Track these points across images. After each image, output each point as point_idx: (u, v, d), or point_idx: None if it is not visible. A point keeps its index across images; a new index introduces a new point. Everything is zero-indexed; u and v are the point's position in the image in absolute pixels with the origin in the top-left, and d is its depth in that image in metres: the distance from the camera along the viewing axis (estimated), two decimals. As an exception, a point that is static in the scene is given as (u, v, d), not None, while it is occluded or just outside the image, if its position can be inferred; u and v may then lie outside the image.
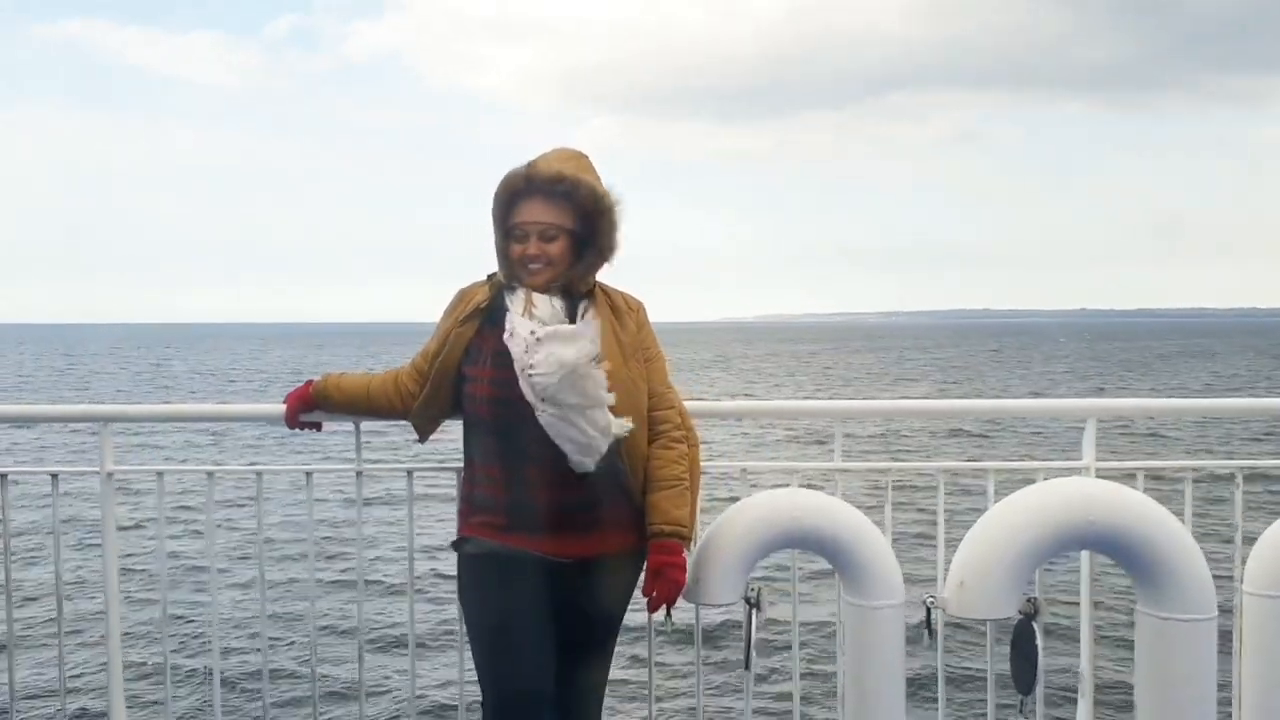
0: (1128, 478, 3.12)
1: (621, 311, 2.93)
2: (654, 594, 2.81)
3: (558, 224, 2.82)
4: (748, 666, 2.95)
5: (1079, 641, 3.47)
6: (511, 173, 2.84)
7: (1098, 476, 3.27)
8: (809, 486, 3.11)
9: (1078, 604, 3.45)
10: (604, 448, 2.77)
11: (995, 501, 2.88)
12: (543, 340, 2.75)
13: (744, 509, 2.89)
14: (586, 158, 2.92)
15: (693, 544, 2.91)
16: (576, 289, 2.87)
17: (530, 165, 2.84)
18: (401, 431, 3.12)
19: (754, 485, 3.17)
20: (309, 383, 3.14)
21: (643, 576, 2.87)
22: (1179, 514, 2.83)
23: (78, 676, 7.61)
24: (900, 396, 37.62)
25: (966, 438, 23.68)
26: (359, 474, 3.41)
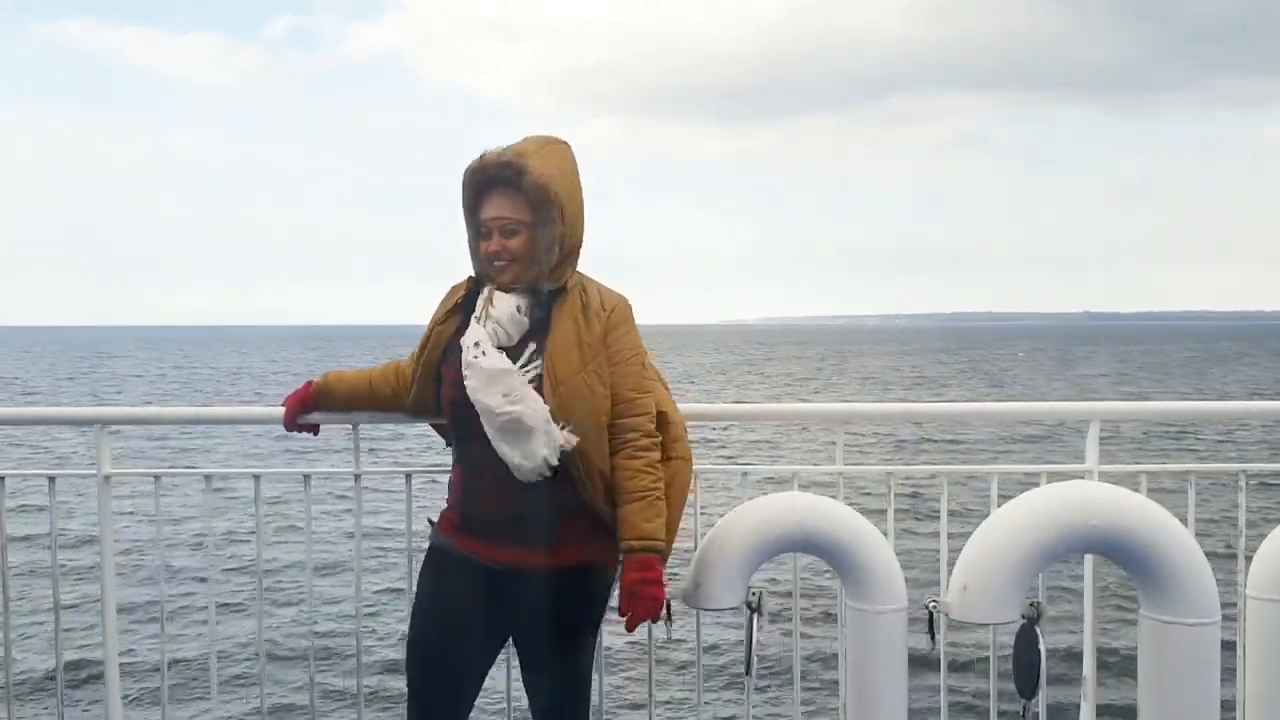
0: (1131, 481, 3.11)
1: (592, 312, 2.77)
2: (630, 614, 2.70)
3: (516, 218, 2.73)
4: (749, 671, 2.93)
5: (1082, 645, 3.46)
6: (469, 165, 2.77)
7: (1100, 480, 3.26)
8: (810, 490, 3.09)
9: (1081, 608, 3.44)
10: (543, 467, 2.66)
11: (998, 505, 2.87)
12: (472, 365, 2.70)
13: (745, 512, 2.87)
14: (555, 144, 2.81)
15: (695, 553, 2.89)
16: (542, 287, 2.77)
17: (483, 155, 2.75)
18: (401, 434, 3.11)
19: (755, 488, 3.16)
20: (309, 383, 3.11)
21: (616, 592, 2.79)
22: (1182, 517, 2.82)
23: (75, 677, 7.60)
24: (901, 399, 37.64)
25: (969, 440, 23.68)
26: (357, 477, 3.40)
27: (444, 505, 2.91)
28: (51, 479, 3.43)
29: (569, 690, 2.88)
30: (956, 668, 6.98)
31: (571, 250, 2.80)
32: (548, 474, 2.68)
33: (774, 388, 46.37)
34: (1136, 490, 2.91)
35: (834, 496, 3.06)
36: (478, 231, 2.79)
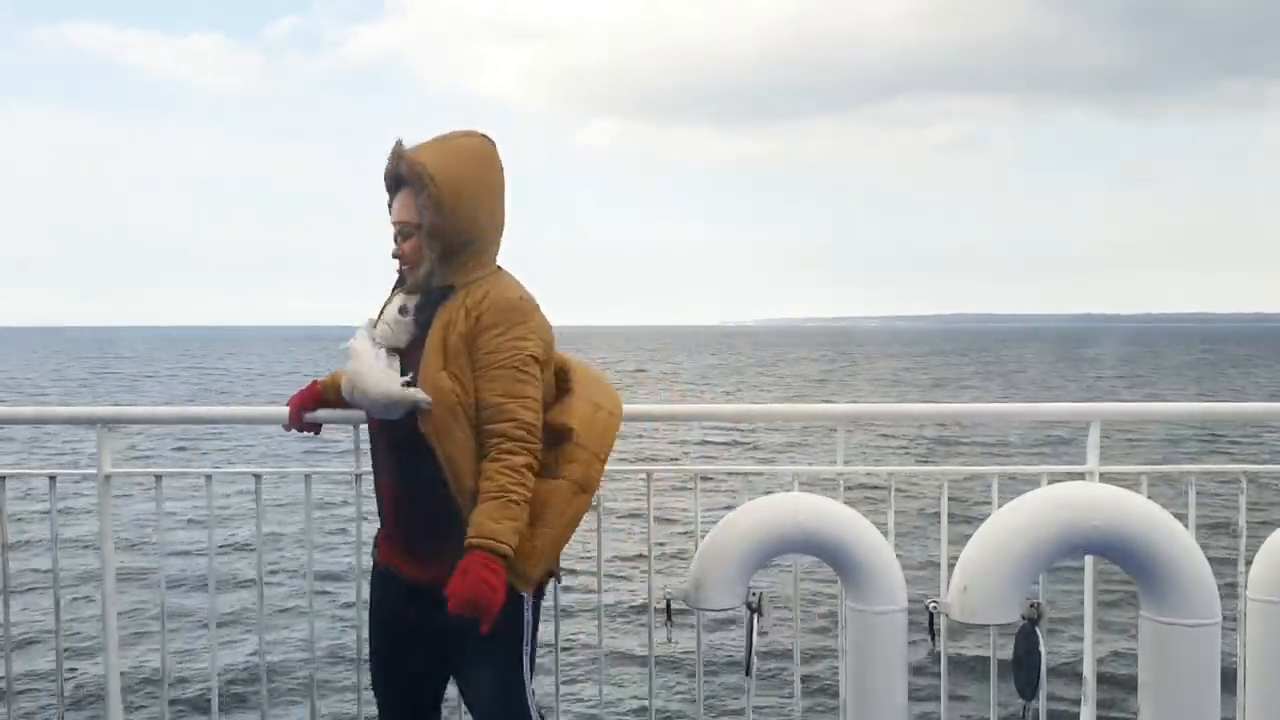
0: (1131, 482, 3.11)
1: (465, 312, 2.68)
2: (457, 592, 2.50)
3: (406, 220, 2.71)
4: (749, 672, 2.93)
5: (1082, 646, 3.46)
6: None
7: (1101, 481, 3.26)
8: (811, 490, 3.09)
9: (1081, 609, 3.44)
10: (392, 400, 2.65)
11: (998, 506, 2.87)
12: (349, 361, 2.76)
13: (745, 513, 2.87)
14: (458, 138, 2.74)
15: (695, 554, 2.89)
16: (433, 286, 2.74)
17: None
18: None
19: (755, 489, 3.15)
20: (314, 382, 3.11)
21: (529, 605, 2.76)
22: (1183, 519, 2.81)
23: (75, 677, 7.60)
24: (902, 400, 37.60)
25: (970, 442, 23.66)
26: (358, 477, 3.40)
27: None
28: (52, 478, 3.44)
29: (496, 706, 2.79)
30: (957, 668, 6.97)
31: (463, 248, 2.71)
32: (399, 409, 2.65)
33: (790, 389, 46.26)
34: (1137, 491, 2.91)
35: (834, 497, 3.07)
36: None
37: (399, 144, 2.70)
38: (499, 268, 2.80)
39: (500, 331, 2.66)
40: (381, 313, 2.79)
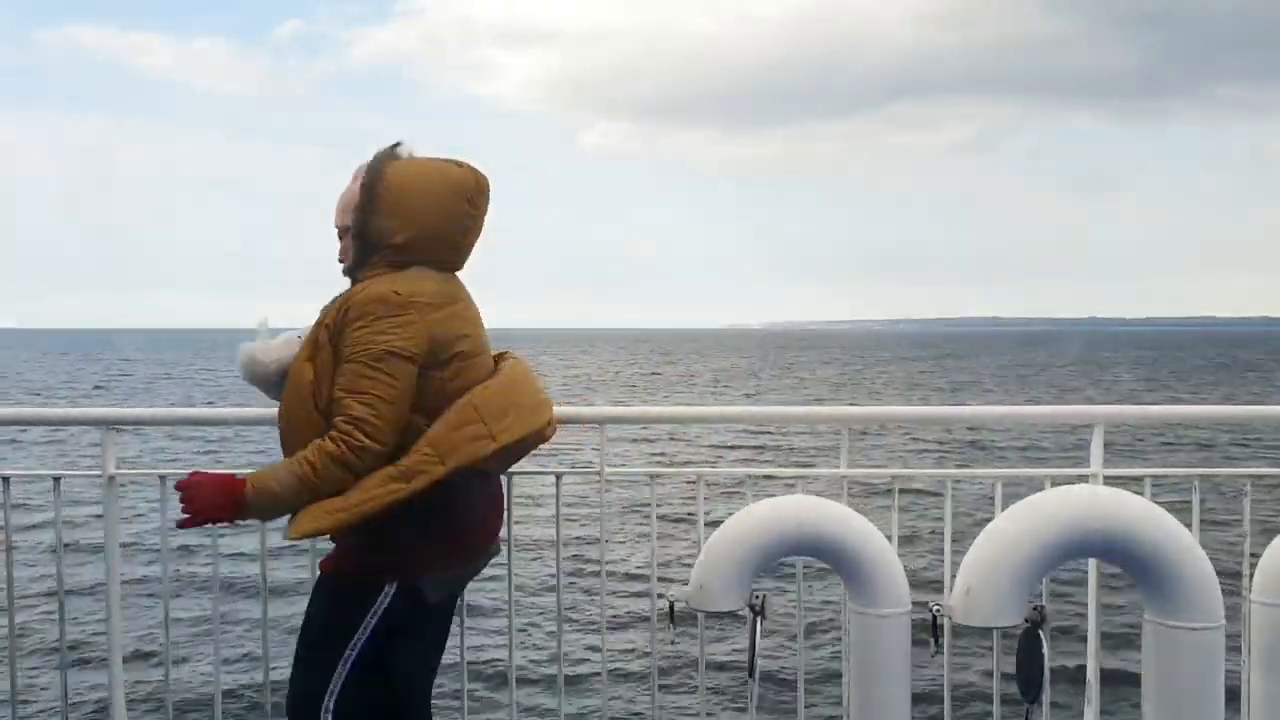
0: (1135, 485, 3.11)
1: (340, 306, 2.76)
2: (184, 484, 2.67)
3: (340, 223, 2.89)
4: (752, 674, 2.93)
5: (1085, 649, 3.45)
6: None
7: (1105, 484, 3.26)
8: (814, 493, 3.09)
9: (1084, 611, 3.43)
10: (255, 366, 2.89)
11: (1002, 509, 2.86)
12: None
13: (748, 515, 2.87)
14: (448, 162, 2.88)
15: (698, 555, 2.89)
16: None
17: None
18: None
19: (759, 492, 3.15)
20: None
21: (373, 612, 2.78)
22: (1187, 522, 2.81)
23: (79, 679, 7.59)
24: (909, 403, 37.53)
25: (973, 444, 23.63)
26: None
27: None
28: (56, 480, 3.44)
29: (293, 700, 2.86)
30: (960, 671, 6.96)
31: (383, 250, 2.80)
32: (251, 375, 2.90)
33: (811, 393, 46.15)
34: (1141, 495, 2.91)
35: (838, 499, 3.06)
36: None
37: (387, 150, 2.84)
38: (412, 267, 2.81)
39: (362, 325, 2.69)
40: None
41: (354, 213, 2.80)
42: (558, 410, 3.06)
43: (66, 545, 3.46)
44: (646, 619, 2.97)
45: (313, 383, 2.72)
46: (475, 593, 3.52)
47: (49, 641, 8.49)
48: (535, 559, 11.02)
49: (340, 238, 2.89)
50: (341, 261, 2.90)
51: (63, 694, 3.45)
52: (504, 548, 3.16)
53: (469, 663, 3.17)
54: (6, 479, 3.36)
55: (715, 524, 2.97)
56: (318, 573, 2.91)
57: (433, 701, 3.09)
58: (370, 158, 2.83)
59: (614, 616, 9.21)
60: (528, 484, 3.53)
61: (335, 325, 2.72)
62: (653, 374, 62.85)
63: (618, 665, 7.97)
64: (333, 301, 2.80)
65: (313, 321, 2.82)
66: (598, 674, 3.31)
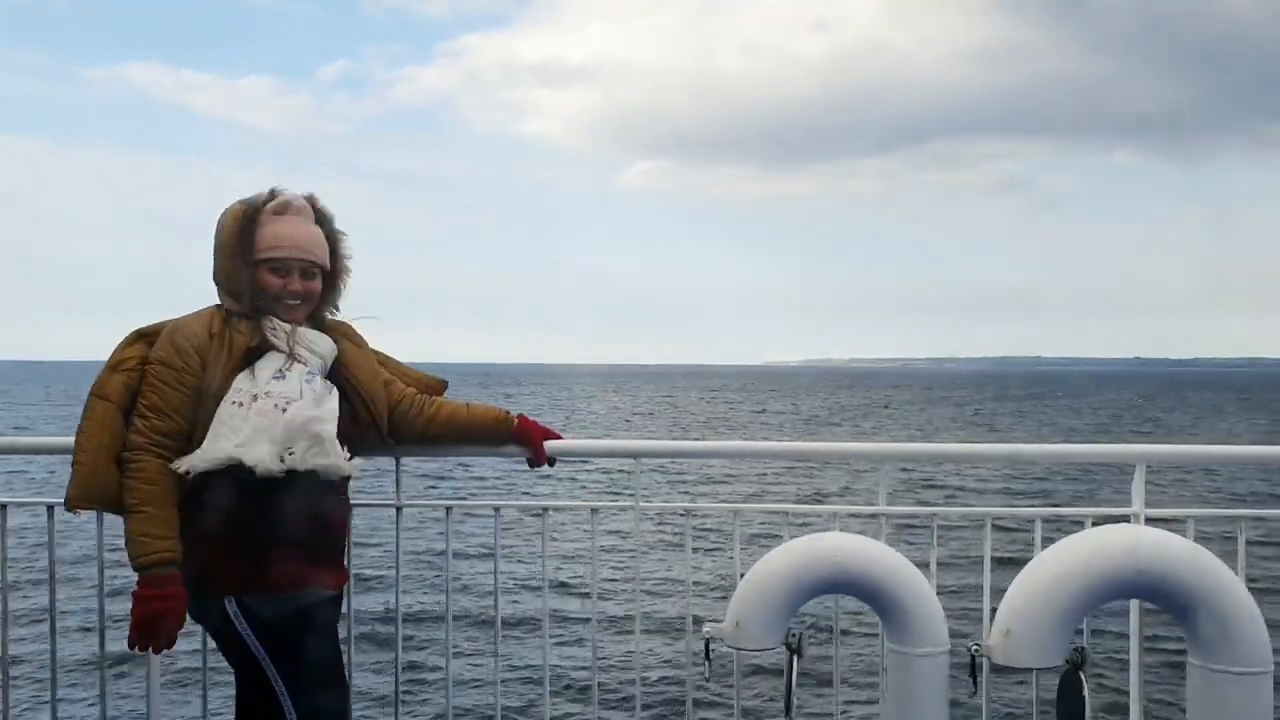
0: (1178, 526, 3.06)
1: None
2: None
3: (320, 261, 3.04)
4: (788, 713, 2.90)
5: (1128, 692, 3.39)
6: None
7: (1146, 524, 3.21)
8: (851, 530, 3.07)
9: (1127, 654, 3.38)
10: None
11: (1042, 548, 2.83)
12: None
13: (785, 552, 2.85)
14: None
15: (735, 592, 2.86)
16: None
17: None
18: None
19: (796, 528, 3.13)
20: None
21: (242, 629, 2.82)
22: (1232, 564, 2.76)
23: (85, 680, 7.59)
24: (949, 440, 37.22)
25: (1013, 482, 23.37)
26: (399, 510, 3.41)
27: (478, 537, 2.96)
28: (50, 508, 3.37)
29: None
30: (998, 713, 6.86)
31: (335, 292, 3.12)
32: None
33: (877, 430, 45.70)
34: (1184, 535, 2.86)
35: (876, 537, 3.03)
36: None
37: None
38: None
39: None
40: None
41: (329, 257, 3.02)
42: (592, 443, 3.08)
43: None
44: (680, 655, 2.94)
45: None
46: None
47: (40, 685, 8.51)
48: (570, 593, 11.00)
49: (309, 276, 2.96)
50: (304, 302, 2.96)
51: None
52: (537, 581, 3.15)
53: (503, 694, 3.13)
54: (3, 506, 3.35)
55: (751, 560, 2.95)
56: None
57: None
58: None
59: (649, 650, 9.16)
60: (561, 516, 3.54)
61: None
62: (759, 410, 62.80)
63: (651, 701, 7.91)
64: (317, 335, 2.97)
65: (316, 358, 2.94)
66: (631, 708, 3.29)
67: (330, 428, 2.81)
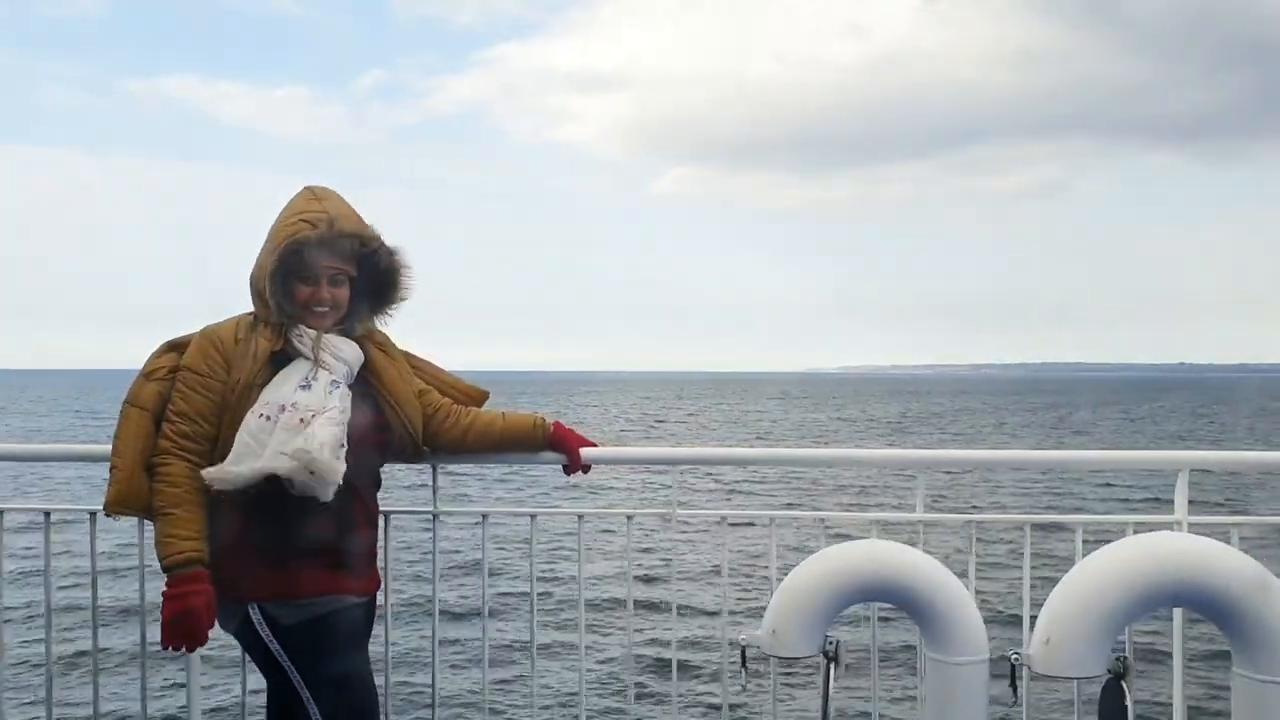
0: (1221, 533, 3.01)
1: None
2: None
3: (344, 270, 3.03)
4: (826, 721, 2.88)
5: (1170, 704, 3.34)
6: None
7: (1189, 532, 3.16)
8: (890, 538, 3.05)
9: (1170, 663, 3.33)
10: None
11: (1083, 556, 2.79)
12: None
13: (823, 559, 2.84)
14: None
15: (771, 600, 2.85)
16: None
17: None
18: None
19: (833, 536, 3.12)
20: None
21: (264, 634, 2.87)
22: (1277, 572, 2.71)
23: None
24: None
25: (1053, 490, 23.18)
26: (435, 516, 3.43)
27: (504, 548, 2.98)
28: (47, 514, 3.43)
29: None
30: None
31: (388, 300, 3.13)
32: None
33: (925, 438, 45.34)
34: (1228, 544, 2.82)
35: (914, 544, 3.01)
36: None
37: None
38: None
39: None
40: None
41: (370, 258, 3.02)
42: (628, 450, 3.08)
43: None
44: (716, 662, 2.93)
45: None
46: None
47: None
48: (606, 597, 11.00)
49: (337, 284, 2.97)
50: (332, 309, 2.97)
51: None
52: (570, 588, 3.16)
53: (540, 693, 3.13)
54: (1, 511, 3.41)
55: (788, 568, 2.93)
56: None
57: None
58: (306, 191, 2.99)
59: (685, 660, 9.15)
60: (599, 522, 3.54)
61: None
62: (839, 419, 62.74)
63: (688, 708, 7.90)
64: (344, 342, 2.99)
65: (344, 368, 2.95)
66: (667, 706, 3.29)
67: (340, 438, 2.84)
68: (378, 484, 3.07)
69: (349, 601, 2.94)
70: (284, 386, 2.83)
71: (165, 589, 2.75)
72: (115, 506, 2.82)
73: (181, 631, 2.74)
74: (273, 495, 2.76)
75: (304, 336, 2.90)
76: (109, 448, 2.87)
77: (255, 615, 2.82)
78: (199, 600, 2.74)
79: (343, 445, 2.80)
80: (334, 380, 2.89)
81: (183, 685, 3.49)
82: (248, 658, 3.13)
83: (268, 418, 2.77)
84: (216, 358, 2.85)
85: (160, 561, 2.76)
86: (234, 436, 2.78)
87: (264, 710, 3.03)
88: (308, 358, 2.88)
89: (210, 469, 2.76)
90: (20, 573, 7.61)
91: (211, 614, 2.77)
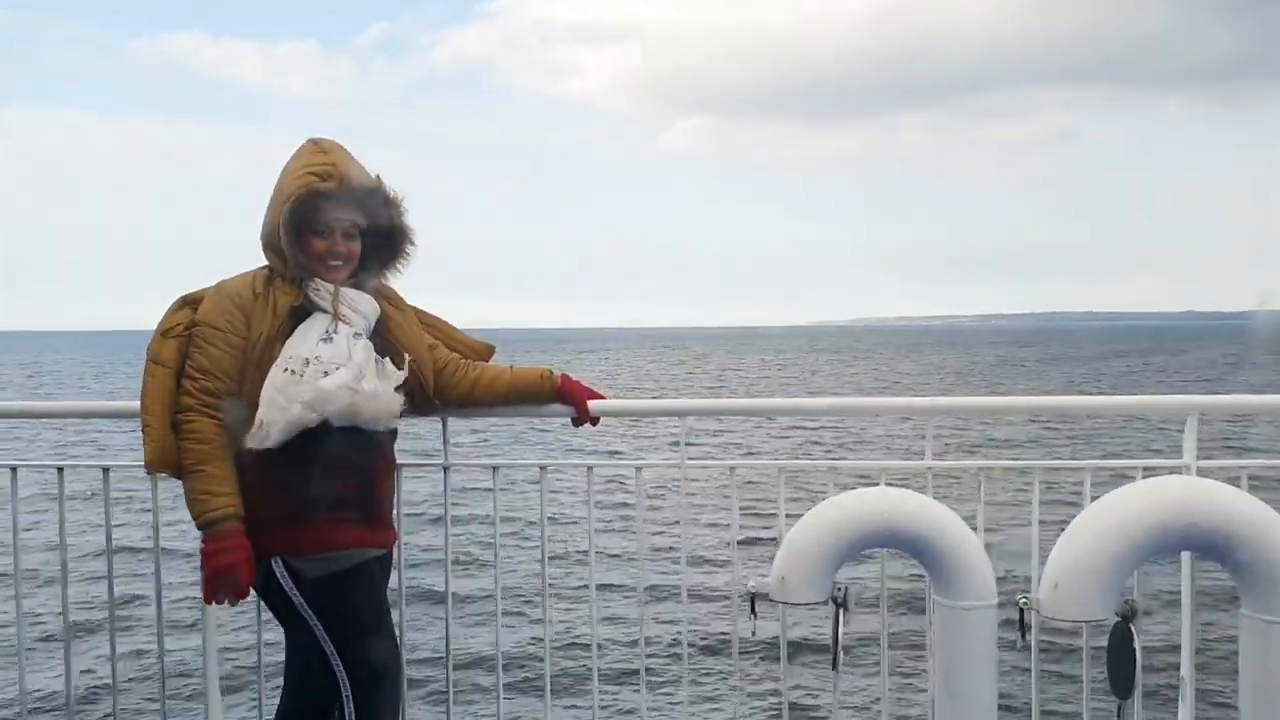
0: (1230, 478, 3.02)
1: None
2: None
3: (360, 221, 3.03)
4: (835, 667, 2.90)
5: (1179, 645, 3.37)
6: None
7: (1198, 476, 3.17)
8: (898, 485, 3.06)
9: (1178, 606, 3.35)
10: None
11: (1092, 500, 2.80)
12: None
13: (831, 507, 2.84)
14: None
15: (780, 547, 2.87)
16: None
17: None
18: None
19: (841, 484, 3.13)
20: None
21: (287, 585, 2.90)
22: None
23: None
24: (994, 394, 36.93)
25: (1062, 435, 23.20)
26: (446, 469, 3.45)
27: (524, 499, 3.01)
28: (60, 470, 3.46)
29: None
30: (1048, 666, 6.85)
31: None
32: None
33: (945, 386, 45.28)
34: (1237, 487, 2.82)
35: (922, 491, 3.02)
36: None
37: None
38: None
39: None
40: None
41: (380, 211, 3.03)
42: (637, 403, 3.09)
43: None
44: (726, 610, 2.95)
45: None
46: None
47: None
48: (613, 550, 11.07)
49: (350, 237, 2.97)
50: (346, 263, 2.98)
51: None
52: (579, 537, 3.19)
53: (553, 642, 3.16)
54: (13, 468, 3.42)
55: (796, 517, 2.94)
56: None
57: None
58: (311, 144, 2.98)
59: (695, 607, 9.22)
60: (610, 473, 3.57)
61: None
62: (877, 371, 62.76)
63: (698, 657, 7.98)
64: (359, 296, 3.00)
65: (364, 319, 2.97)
66: (678, 658, 3.32)
67: (376, 385, 2.87)
68: (394, 435, 3.09)
69: (370, 554, 2.96)
70: (306, 340, 2.84)
71: (203, 545, 2.78)
72: (157, 465, 2.84)
73: (223, 585, 2.79)
74: (297, 448, 2.78)
75: (321, 290, 2.91)
76: (121, 404, 2.89)
77: (279, 568, 2.85)
78: (239, 556, 2.77)
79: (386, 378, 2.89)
80: (355, 333, 2.90)
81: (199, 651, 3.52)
82: (264, 616, 3.16)
83: (293, 371, 2.78)
84: (235, 313, 2.85)
85: (195, 519, 2.78)
86: (258, 392, 2.79)
87: (281, 667, 3.07)
88: (326, 311, 2.89)
89: (250, 436, 2.78)
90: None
91: (251, 568, 2.81)
